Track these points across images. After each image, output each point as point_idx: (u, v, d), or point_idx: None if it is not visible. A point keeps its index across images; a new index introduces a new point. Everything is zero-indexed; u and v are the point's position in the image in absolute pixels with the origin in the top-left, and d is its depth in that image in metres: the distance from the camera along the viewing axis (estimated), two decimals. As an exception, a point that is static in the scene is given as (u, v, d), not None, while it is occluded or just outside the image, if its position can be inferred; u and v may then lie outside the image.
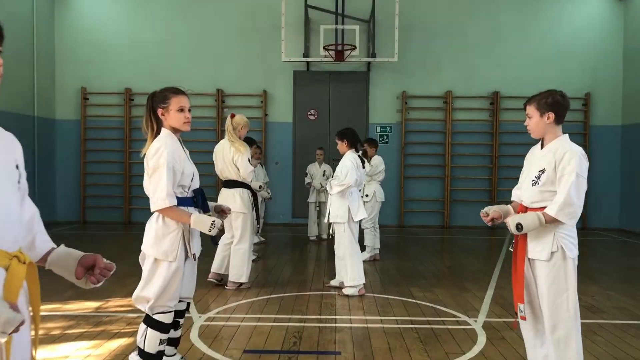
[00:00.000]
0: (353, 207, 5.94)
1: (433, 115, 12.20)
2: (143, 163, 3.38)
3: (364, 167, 6.13)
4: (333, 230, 6.07)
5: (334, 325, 4.85)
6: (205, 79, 12.03)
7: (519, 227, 3.27)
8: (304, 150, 12.02)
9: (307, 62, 12.06)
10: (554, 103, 3.40)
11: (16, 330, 1.41)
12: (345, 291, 5.94)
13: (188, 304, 3.58)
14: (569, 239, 3.21)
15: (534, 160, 3.46)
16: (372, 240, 7.88)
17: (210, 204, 3.59)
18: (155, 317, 3.22)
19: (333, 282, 6.31)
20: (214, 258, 6.52)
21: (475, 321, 5.01)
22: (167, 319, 3.24)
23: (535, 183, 3.32)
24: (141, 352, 3.25)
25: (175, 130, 3.42)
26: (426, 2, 12.13)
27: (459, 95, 12.14)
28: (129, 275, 5.77)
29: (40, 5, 11.61)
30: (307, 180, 9.97)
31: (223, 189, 6.22)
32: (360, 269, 5.97)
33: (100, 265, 1.88)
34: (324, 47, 10.61)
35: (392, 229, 11.53)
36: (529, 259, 3.38)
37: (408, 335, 4.57)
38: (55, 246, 1.94)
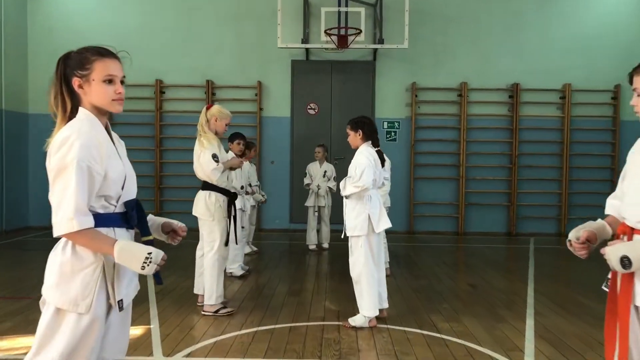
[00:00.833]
0: (374, 215, 4.76)
1: (446, 110, 11.02)
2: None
3: (383, 166, 4.95)
4: (350, 246, 4.89)
5: (338, 376, 3.69)
6: (194, 69, 10.86)
7: (625, 262, 2.13)
8: (302, 148, 10.87)
9: (307, 51, 10.89)
10: None
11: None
12: (353, 321, 4.77)
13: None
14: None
15: None
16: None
17: (156, 219, 2.44)
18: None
19: (353, 322, 4.80)
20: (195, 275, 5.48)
21: (524, 369, 3.84)
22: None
23: None
24: None
25: (99, 112, 2.26)
26: (438, -15, 10.98)
27: (475, 87, 10.96)
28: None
29: (9, -14, 10.45)
30: (306, 180, 8.80)
31: (198, 192, 5.25)
32: (376, 296, 4.80)
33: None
34: (325, 32, 9.43)
35: (400, 236, 10.37)
36: (636, 306, 2.26)
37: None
38: None
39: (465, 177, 10.95)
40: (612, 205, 2.47)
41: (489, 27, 10.98)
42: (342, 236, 4.95)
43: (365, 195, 4.76)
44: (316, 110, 11.08)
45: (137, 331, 4.49)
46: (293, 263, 7.79)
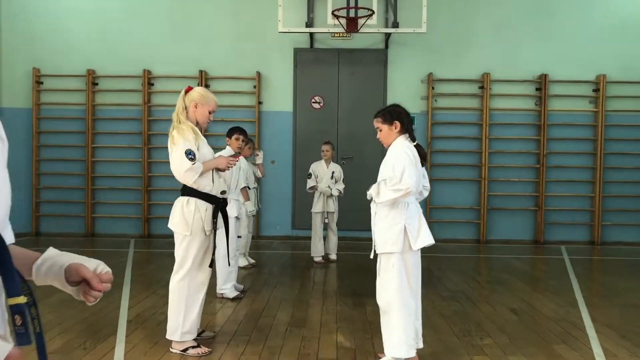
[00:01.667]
0: (411, 227, 3.66)
1: (466, 103, 9.89)
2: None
3: (423, 165, 3.84)
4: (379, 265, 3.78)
5: None
6: (186, 58, 9.75)
7: None
8: (306, 146, 9.77)
9: (311, 38, 9.79)
10: None
11: None
12: (382, 365, 3.67)
13: None
14: None
15: None
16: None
17: (57, 259, 1.34)
18: None
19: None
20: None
21: None
22: None
23: None
24: None
25: None
26: (458, -36, 9.86)
27: (499, 78, 9.83)
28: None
29: (-21, -36, 9.36)
30: (310, 183, 7.69)
31: (180, 198, 4.11)
32: (410, 331, 3.68)
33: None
34: (332, 13, 8.30)
35: (416, 245, 9.26)
36: None
37: None
38: None
39: (488, 179, 9.83)
40: None
41: (515, 12, 9.86)
42: (372, 255, 3.82)
43: (401, 202, 3.65)
44: (321, 104, 9.97)
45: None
46: (296, 280, 6.67)
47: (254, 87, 9.88)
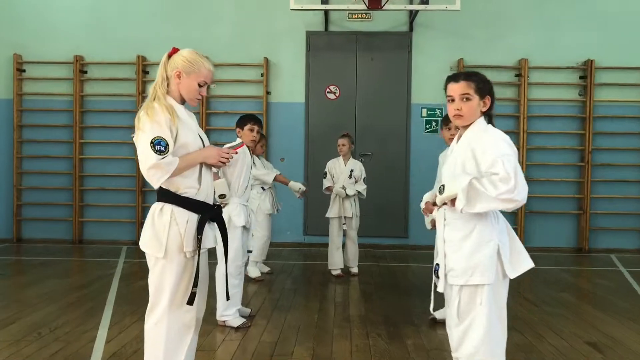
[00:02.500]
0: (505, 246, 2.58)
1: (501, 93, 8.74)
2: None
3: None
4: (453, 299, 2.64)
5: None
6: (184, 42, 8.53)
7: None
8: (320, 141, 8.69)
9: (326, 19, 8.70)
10: None
11: None
12: None
13: None
14: None
15: None
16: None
17: None
18: None
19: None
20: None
21: None
22: None
23: None
24: None
25: None
26: (491, -64, 8.73)
27: (538, 65, 8.70)
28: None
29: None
30: (325, 183, 6.59)
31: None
32: None
33: None
34: (353, -13, 7.20)
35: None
36: None
37: None
38: None
39: (526, 179, 8.66)
40: None
41: (557, -11, 8.74)
42: (441, 287, 2.69)
43: (491, 212, 2.55)
44: (337, 95, 8.87)
45: None
46: (313, 300, 5.54)
47: (261, 75, 8.79)
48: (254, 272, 6.33)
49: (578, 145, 8.79)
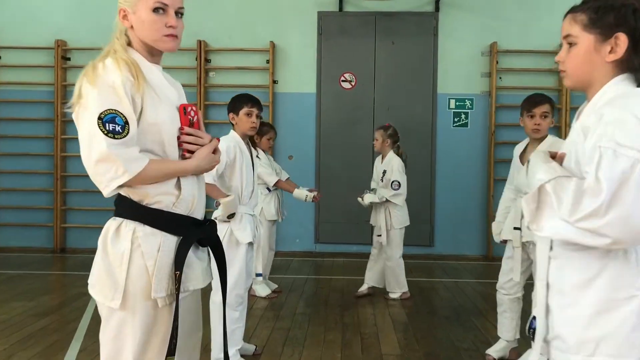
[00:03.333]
0: None
1: (539, 82, 7.69)
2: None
3: None
4: None
5: None
6: (180, 25, 7.66)
7: None
8: (333, 136, 7.68)
9: (340, -2, 7.69)
10: None
11: None
12: None
13: None
14: None
15: None
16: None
17: None
18: None
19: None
20: None
21: None
22: None
23: None
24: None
25: None
26: None
27: (582, 49, 7.66)
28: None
29: None
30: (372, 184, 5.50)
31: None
32: None
33: None
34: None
35: (474, 262, 7.18)
36: None
37: None
38: None
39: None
40: None
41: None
42: (535, 358, 1.63)
43: (632, 247, 1.48)
44: (353, 84, 7.85)
45: None
46: (332, 331, 4.47)
47: (267, 62, 7.77)
48: (264, 290, 5.31)
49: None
